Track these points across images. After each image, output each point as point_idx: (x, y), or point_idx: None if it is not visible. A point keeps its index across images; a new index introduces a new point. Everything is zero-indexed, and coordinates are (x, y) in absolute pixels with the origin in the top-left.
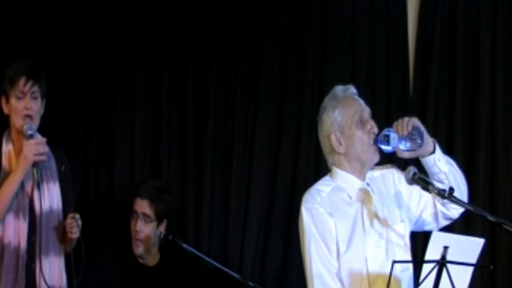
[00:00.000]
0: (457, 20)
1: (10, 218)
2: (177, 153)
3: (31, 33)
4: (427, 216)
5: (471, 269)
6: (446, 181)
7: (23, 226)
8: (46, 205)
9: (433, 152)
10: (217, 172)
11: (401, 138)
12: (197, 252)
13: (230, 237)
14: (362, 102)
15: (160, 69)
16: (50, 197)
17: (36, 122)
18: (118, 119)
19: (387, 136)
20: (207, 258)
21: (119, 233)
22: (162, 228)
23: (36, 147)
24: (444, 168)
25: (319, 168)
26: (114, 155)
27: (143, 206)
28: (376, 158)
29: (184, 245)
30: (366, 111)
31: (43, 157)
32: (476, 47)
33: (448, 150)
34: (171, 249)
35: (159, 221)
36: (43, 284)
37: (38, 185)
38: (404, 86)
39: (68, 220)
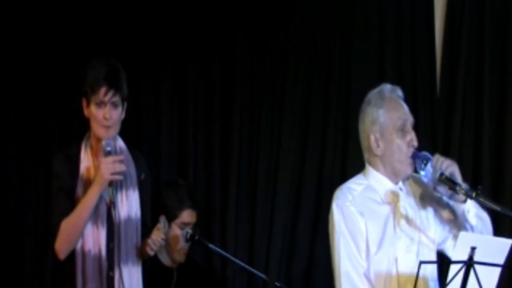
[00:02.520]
0: (485, 18)
1: (88, 226)
2: (203, 154)
3: (54, 31)
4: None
5: (498, 270)
6: (470, 231)
7: (102, 233)
8: (124, 213)
9: (465, 201)
10: (243, 173)
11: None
12: (223, 252)
13: (257, 237)
14: (407, 109)
15: (186, 68)
16: (129, 205)
17: (115, 130)
18: (144, 118)
19: (426, 161)
20: (233, 258)
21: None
22: None
23: (113, 165)
24: (472, 220)
25: (345, 170)
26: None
27: (194, 216)
28: (410, 171)
29: (210, 245)
30: (409, 120)
31: (119, 177)
32: (504, 44)
33: (476, 149)
34: (193, 248)
35: None
36: None
37: (114, 205)
38: (430, 85)
39: (154, 235)
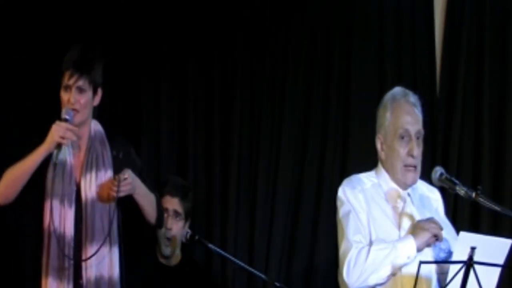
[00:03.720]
0: (485, 18)
1: (56, 204)
2: (203, 154)
3: (54, 30)
4: None
5: (498, 269)
6: None
7: (69, 213)
8: (93, 194)
9: None
10: (243, 173)
11: None
12: (223, 252)
13: (257, 237)
14: (415, 117)
15: (186, 68)
16: (99, 185)
17: (83, 115)
18: (144, 117)
19: None
20: (233, 258)
21: (144, 233)
22: (187, 227)
23: (65, 130)
24: None
25: (345, 170)
26: (140, 154)
27: (174, 203)
28: (409, 181)
29: (210, 245)
30: (414, 130)
31: (66, 141)
32: (504, 44)
33: (476, 149)
34: (194, 249)
35: (186, 219)
36: (89, 273)
37: (55, 166)
38: (430, 85)
39: (110, 182)
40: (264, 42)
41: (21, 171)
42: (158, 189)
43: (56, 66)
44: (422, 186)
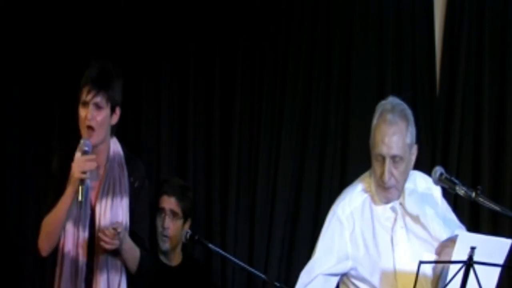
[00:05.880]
0: (485, 18)
1: (69, 227)
2: (203, 153)
3: (55, 30)
4: None
5: (498, 269)
6: None
7: (82, 236)
8: (107, 220)
9: None
10: (243, 173)
11: None
12: (223, 252)
13: (256, 237)
14: (396, 139)
15: (187, 65)
16: (114, 212)
17: (100, 134)
18: (144, 117)
19: None
20: (233, 258)
21: None
22: (187, 227)
23: (84, 164)
24: None
25: (345, 170)
26: (140, 154)
27: (171, 203)
28: (383, 201)
29: (210, 245)
30: (389, 153)
31: (86, 175)
32: (503, 44)
33: (475, 149)
34: (194, 249)
35: (185, 219)
36: None
37: (81, 204)
38: (430, 85)
39: (106, 231)
40: (264, 41)
41: (55, 221)
42: (156, 189)
43: (55, 67)
44: (421, 183)
